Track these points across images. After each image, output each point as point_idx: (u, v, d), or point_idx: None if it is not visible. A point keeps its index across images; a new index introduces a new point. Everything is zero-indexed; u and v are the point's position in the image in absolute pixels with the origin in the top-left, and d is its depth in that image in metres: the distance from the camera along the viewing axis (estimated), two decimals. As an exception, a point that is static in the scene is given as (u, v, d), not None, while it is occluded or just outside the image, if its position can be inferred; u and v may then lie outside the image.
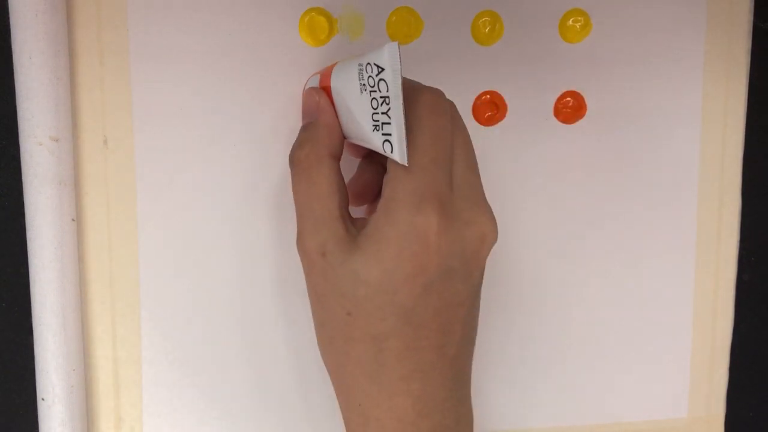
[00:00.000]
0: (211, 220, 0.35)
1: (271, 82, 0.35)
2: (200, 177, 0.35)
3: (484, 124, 0.36)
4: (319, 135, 0.30)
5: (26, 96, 0.31)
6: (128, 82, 0.34)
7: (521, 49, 0.36)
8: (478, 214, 0.29)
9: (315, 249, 0.29)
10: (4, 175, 0.34)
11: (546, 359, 0.39)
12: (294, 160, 0.30)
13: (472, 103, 0.36)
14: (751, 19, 0.38)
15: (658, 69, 0.37)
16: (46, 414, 0.33)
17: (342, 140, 0.30)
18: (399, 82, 0.27)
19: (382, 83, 0.27)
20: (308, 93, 0.31)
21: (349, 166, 0.33)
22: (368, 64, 0.27)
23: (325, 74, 0.31)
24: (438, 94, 0.29)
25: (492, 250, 0.30)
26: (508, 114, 0.37)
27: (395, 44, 0.27)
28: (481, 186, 0.30)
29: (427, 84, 0.30)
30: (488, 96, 0.36)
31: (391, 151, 0.27)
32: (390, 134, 0.27)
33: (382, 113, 0.27)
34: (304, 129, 0.31)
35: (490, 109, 0.36)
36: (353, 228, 0.30)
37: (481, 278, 0.30)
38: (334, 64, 0.30)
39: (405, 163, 0.27)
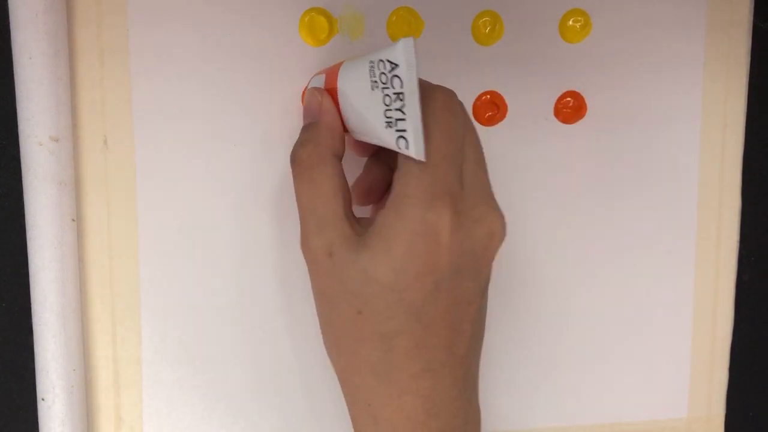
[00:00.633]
0: (211, 220, 0.35)
1: (271, 82, 0.35)
2: (200, 177, 0.35)
3: (484, 124, 0.36)
4: (321, 134, 0.30)
5: (26, 96, 0.31)
6: (128, 82, 0.34)
7: (521, 49, 0.36)
8: (487, 212, 0.29)
9: (321, 249, 0.29)
10: (4, 175, 0.34)
11: (546, 359, 0.39)
12: (296, 159, 0.30)
13: (472, 103, 0.36)
14: (751, 19, 0.38)
15: (658, 69, 0.37)
16: (46, 414, 0.33)
17: (344, 140, 0.30)
18: (415, 77, 0.27)
19: (395, 79, 0.27)
20: (310, 93, 0.31)
21: (354, 165, 0.33)
22: (380, 60, 0.27)
23: (331, 73, 0.31)
24: (451, 93, 0.29)
25: (494, 249, 0.30)
26: (508, 114, 0.37)
27: (410, 39, 0.27)
28: (490, 184, 0.30)
29: (427, 84, 0.30)
30: (488, 96, 0.36)
31: (407, 147, 0.27)
32: (405, 130, 0.27)
33: (396, 109, 0.27)
34: (306, 129, 0.31)
35: (491, 109, 0.36)
36: (359, 226, 0.29)
37: (489, 276, 0.30)
38: (340, 64, 0.30)
39: (422, 158, 0.27)
